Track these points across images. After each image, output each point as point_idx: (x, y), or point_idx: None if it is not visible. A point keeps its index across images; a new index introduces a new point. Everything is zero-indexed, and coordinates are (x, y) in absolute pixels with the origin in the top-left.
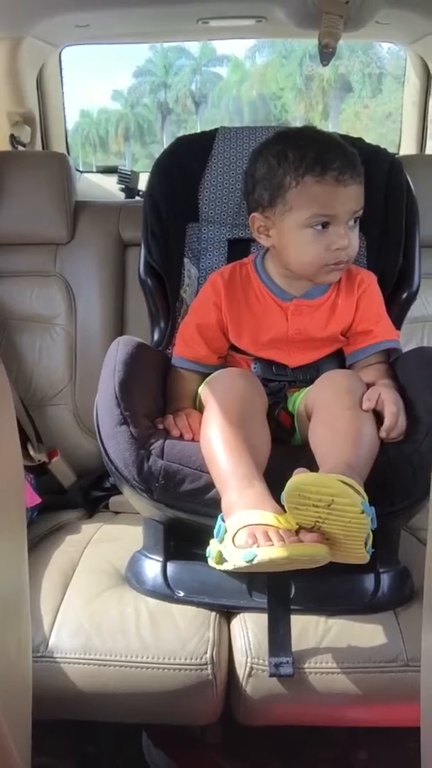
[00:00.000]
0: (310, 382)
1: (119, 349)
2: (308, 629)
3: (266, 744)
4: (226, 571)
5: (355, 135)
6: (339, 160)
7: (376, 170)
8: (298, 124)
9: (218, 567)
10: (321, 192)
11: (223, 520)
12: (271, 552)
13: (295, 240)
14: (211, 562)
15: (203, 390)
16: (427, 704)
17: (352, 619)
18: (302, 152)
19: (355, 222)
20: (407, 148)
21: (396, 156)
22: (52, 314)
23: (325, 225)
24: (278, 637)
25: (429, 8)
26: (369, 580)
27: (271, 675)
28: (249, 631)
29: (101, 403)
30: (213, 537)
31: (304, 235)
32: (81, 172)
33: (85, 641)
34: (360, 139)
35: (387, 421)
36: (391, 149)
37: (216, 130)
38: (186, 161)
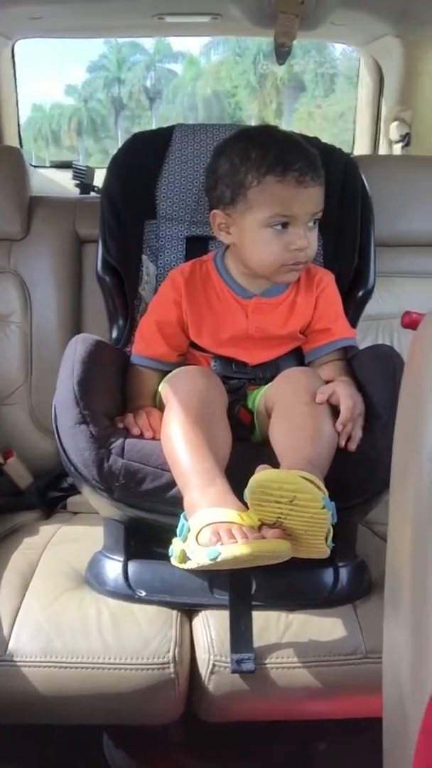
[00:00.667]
0: (269, 379)
1: (77, 347)
2: (269, 625)
3: (228, 739)
4: (189, 570)
5: (309, 134)
6: (300, 161)
7: (332, 170)
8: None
9: (181, 566)
10: (281, 192)
11: (185, 519)
12: (234, 549)
13: (255, 239)
14: (174, 561)
15: (163, 388)
16: (388, 695)
17: (313, 614)
18: (264, 151)
19: (314, 223)
20: (361, 148)
21: (351, 156)
22: (6, 312)
23: (284, 225)
24: (240, 634)
25: (382, 11)
26: (328, 574)
27: (233, 671)
28: (211, 629)
29: (60, 402)
30: (175, 536)
31: (264, 235)
32: (35, 167)
33: (46, 644)
34: (316, 139)
35: (342, 415)
36: (345, 149)
37: (173, 127)
38: (143, 158)
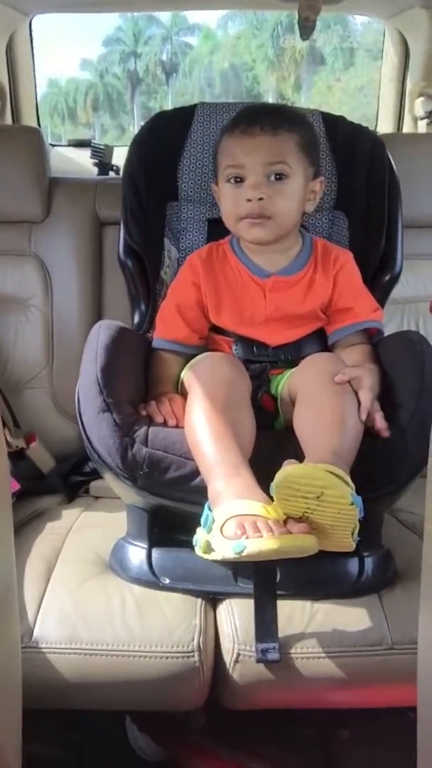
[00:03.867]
0: (291, 362)
1: (100, 334)
2: (294, 614)
3: (249, 726)
4: (213, 560)
5: (327, 109)
6: (252, 116)
7: (358, 150)
8: (271, 96)
9: (205, 556)
10: (230, 144)
11: (209, 509)
12: (260, 544)
13: (222, 196)
14: (198, 552)
15: (186, 375)
16: (424, 684)
17: (337, 603)
18: (234, 118)
19: (277, 178)
20: (384, 124)
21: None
22: (27, 295)
23: (239, 179)
24: (265, 623)
25: None
26: (353, 564)
27: (258, 661)
28: (235, 618)
29: (83, 390)
30: (199, 525)
31: (225, 189)
32: (53, 145)
33: (71, 631)
34: (342, 117)
35: (363, 406)
36: (364, 123)
37: (195, 105)
38: (165, 138)
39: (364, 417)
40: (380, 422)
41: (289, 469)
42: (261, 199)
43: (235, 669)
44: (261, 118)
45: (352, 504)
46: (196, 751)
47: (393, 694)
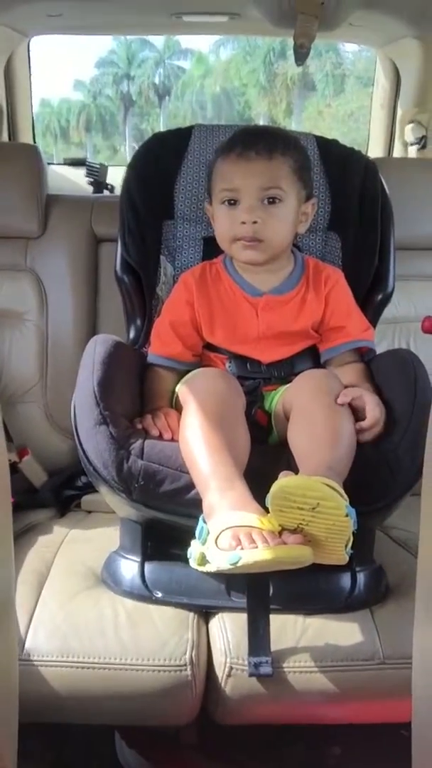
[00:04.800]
0: (284, 379)
1: (97, 348)
2: (286, 628)
3: (240, 741)
4: (207, 573)
5: (317, 134)
6: (247, 140)
7: (351, 172)
8: (262, 120)
9: (200, 568)
10: (225, 167)
11: (204, 521)
12: (255, 555)
13: (215, 217)
14: (193, 564)
15: (181, 389)
16: (419, 699)
17: (330, 618)
18: (229, 140)
19: (270, 202)
20: (375, 150)
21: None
22: (22, 310)
23: (234, 202)
24: (257, 637)
25: (402, 12)
26: (346, 579)
27: (251, 675)
28: (228, 631)
29: (79, 403)
30: (194, 538)
31: (219, 211)
32: (48, 164)
33: (63, 644)
34: (335, 141)
35: (368, 422)
36: (355, 147)
37: (192, 127)
38: (162, 158)
39: (366, 426)
40: (369, 434)
41: (285, 480)
42: (255, 222)
43: (227, 683)
44: (257, 141)
45: (346, 516)
46: (185, 766)
47: (385, 709)
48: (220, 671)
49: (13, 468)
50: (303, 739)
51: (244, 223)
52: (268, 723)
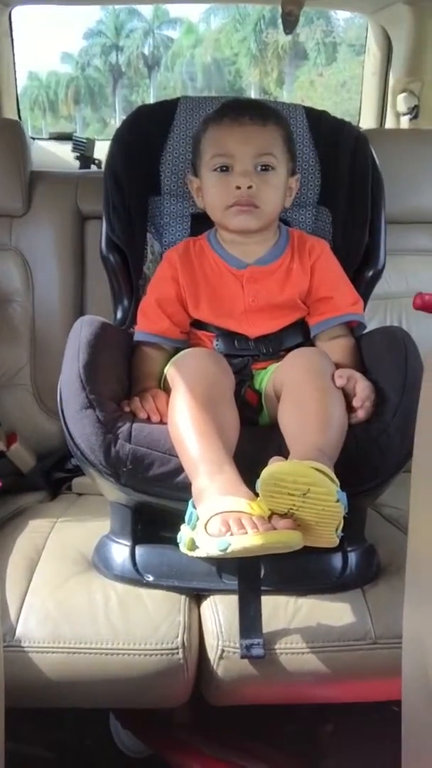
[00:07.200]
0: (273, 355)
1: (82, 330)
2: (278, 609)
3: (233, 721)
4: (197, 557)
5: (309, 104)
6: (240, 106)
7: (342, 145)
8: (253, 90)
9: (190, 553)
10: (218, 133)
11: (194, 506)
12: (245, 540)
13: (206, 185)
14: (183, 549)
15: (169, 371)
16: (409, 679)
17: (321, 599)
18: (219, 108)
19: (264, 169)
20: (367, 119)
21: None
22: (8, 290)
23: (227, 168)
24: (249, 619)
25: None
26: (337, 559)
27: (243, 657)
28: (220, 614)
29: (65, 386)
30: (184, 522)
31: (211, 178)
32: (33, 138)
33: (54, 629)
34: (325, 113)
35: (358, 404)
36: (346, 118)
37: (177, 99)
38: (147, 132)
39: (359, 404)
40: (363, 412)
41: (275, 466)
42: (250, 187)
43: (219, 665)
44: (249, 108)
45: (337, 501)
46: (180, 747)
47: (377, 689)
48: (212, 654)
49: (1, 454)
50: (295, 716)
51: (238, 187)
52: (261, 703)
